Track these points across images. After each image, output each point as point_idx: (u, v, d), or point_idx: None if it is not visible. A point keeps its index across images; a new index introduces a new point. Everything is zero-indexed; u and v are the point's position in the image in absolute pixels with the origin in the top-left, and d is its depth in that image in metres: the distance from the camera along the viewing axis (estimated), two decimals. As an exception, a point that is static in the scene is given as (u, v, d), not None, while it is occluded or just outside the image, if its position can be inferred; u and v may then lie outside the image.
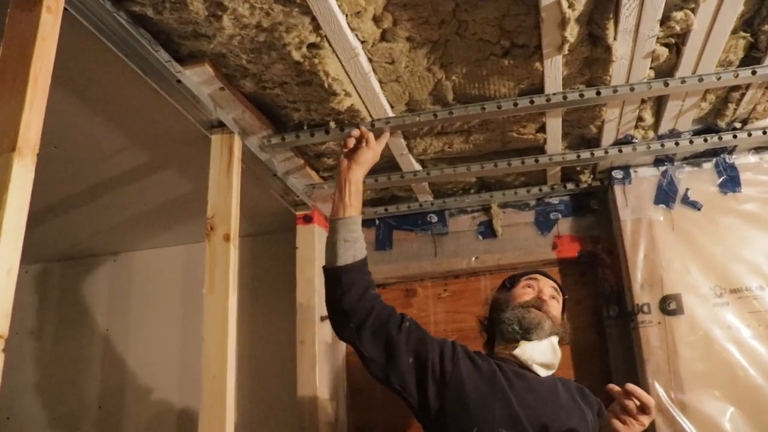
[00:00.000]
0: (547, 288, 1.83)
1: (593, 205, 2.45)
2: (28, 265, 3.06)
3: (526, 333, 1.71)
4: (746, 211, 2.20)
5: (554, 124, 1.98)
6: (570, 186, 2.43)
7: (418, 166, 2.23)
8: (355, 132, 1.76)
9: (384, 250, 2.58)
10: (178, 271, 2.86)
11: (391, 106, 1.88)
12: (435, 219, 2.56)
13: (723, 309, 2.11)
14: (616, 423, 1.40)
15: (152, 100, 1.68)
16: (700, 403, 2.04)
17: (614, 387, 1.42)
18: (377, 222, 2.62)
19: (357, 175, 1.75)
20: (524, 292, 1.82)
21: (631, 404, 1.38)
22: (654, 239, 2.21)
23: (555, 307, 1.80)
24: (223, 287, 1.74)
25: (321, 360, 2.35)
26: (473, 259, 2.48)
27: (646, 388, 2.07)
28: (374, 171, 2.25)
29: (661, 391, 2.07)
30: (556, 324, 1.75)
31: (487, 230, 2.51)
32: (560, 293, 1.87)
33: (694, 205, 2.22)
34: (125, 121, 1.91)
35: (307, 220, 2.45)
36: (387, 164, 2.23)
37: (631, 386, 1.38)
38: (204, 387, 1.66)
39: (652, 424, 2.04)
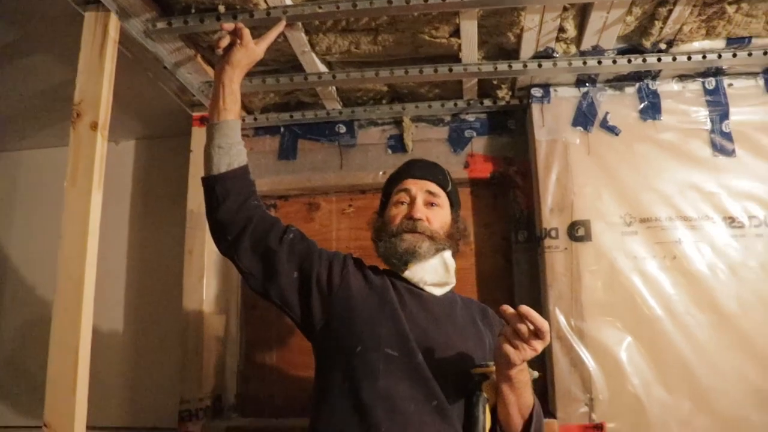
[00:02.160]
0: (421, 195, 1.62)
1: (510, 125, 2.32)
2: None
3: (406, 263, 1.55)
4: (664, 140, 2.11)
5: (469, 28, 1.81)
6: (487, 103, 2.29)
7: (323, 68, 2.05)
8: (227, 26, 1.58)
9: (287, 159, 2.41)
10: (64, 173, 2.63)
11: (291, -6, 1.69)
12: (343, 129, 2.39)
13: (631, 238, 2.04)
14: (507, 347, 1.27)
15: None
16: (598, 332, 1.98)
17: (507, 308, 1.27)
18: (282, 130, 2.43)
19: (230, 76, 1.57)
20: (396, 213, 1.62)
21: (524, 328, 1.24)
22: (568, 162, 2.10)
23: (435, 216, 1.61)
24: (87, 180, 1.56)
25: (210, 272, 2.21)
26: (380, 173, 2.32)
27: (548, 315, 2.00)
28: (276, 71, 2.08)
29: (561, 318, 2.00)
30: (439, 239, 1.57)
31: (398, 144, 2.36)
32: (441, 189, 1.66)
33: (613, 130, 2.12)
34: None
35: (204, 121, 2.25)
36: (290, 64, 2.04)
37: (524, 308, 1.24)
38: (58, 288, 1.50)
39: (548, 351, 1.99)
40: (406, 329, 1.44)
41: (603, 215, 2.06)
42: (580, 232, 2.05)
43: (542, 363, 2.01)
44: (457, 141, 2.33)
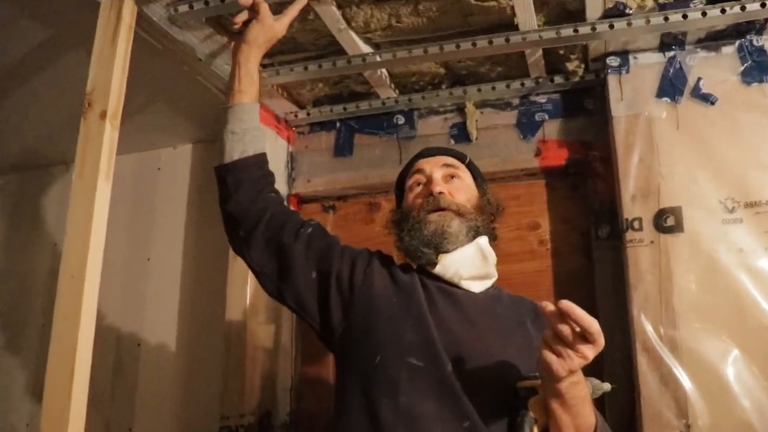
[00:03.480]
0: (438, 170, 1.42)
1: (588, 105, 2.01)
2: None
3: (437, 248, 1.33)
4: (774, 106, 1.74)
5: (521, -15, 1.57)
6: (558, 80, 2.00)
7: (366, 48, 1.85)
8: (244, 0, 1.45)
9: (343, 156, 2.23)
10: (128, 181, 2.59)
11: (314, -39, 1.51)
12: (402, 120, 2.18)
13: (735, 227, 1.69)
14: (548, 355, 1.00)
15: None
16: (696, 343, 1.64)
17: (547, 305, 1.00)
18: (338, 125, 2.25)
19: (247, 55, 1.46)
20: (414, 196, 1.42)
21: (567, 329, 0.98)
22: (653, 140, 1.78)
23: (457, 188, 1.40)
24: (94, 171, 1.44)
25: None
26: (443, 167, 2.08)
27: (631, 321, 1.70)
28: (320, 57, 1.92)
29: (648, 326, 1.68)
30: (467, 213, 1.35)
31: (461, 133, 2.11)
32: (458, 161, 1.47)
33: (707, 99, 1.77)
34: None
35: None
36: (332, 48, 1.86)
37: (566, 304, 0.97)
38: (60, 288, 1.37)
39: (634, 365, 1.67)
40: (432, 334, 1.22)
41: (698, 200, 1.72)
42: (669, 221, 1.72)
43: (629, 379, 1.70)
44: (527, 126, 2.06)
